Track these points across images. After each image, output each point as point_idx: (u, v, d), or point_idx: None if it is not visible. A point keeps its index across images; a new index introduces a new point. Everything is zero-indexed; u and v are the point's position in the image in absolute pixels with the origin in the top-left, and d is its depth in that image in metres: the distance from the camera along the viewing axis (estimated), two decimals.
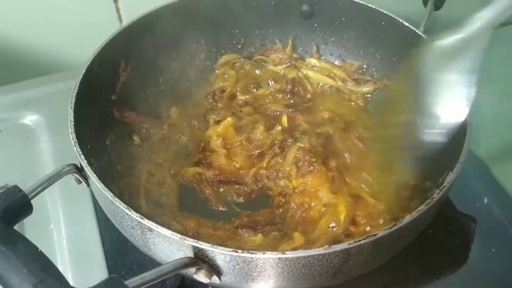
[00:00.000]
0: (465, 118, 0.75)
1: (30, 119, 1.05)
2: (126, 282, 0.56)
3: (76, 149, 0.72)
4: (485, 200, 0.94)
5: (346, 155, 0.92)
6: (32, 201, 0.66)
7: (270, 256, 0.60)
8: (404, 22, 0.93)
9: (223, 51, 1.09)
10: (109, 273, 0.83)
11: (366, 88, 1.04)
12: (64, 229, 0.88)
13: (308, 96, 1.06)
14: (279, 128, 0.95)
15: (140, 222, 0.64)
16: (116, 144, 0.90)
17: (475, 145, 1.02)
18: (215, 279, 0.63)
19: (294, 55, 1.09)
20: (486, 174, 0.99)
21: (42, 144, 1.01)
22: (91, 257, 0.85)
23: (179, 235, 0.61)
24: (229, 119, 0.95)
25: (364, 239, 0.61)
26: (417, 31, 0.92)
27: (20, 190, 0.65)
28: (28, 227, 0.85)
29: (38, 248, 0.58)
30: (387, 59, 1.01)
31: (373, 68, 1.04)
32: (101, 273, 0.82)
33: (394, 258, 0.73)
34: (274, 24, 1.08)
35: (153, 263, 0.78)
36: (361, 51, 1.04)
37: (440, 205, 0.72)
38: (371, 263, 0.69)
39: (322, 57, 1.09)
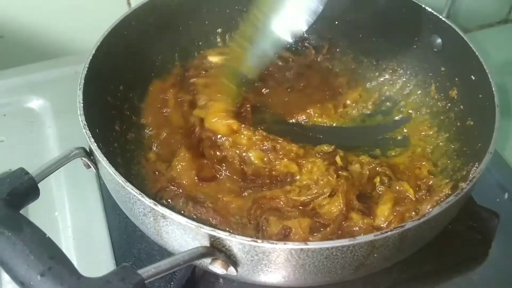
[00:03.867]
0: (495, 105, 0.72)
1: (36, 103, 1.03)
2: (139, 272, 0.53)
3: (86, 132, 0.69)
4: (506, 195, 0.91)
5: None
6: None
7: (292, 246, 0.57)
8: (426, 8, 0.89)
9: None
10: (116, 263, 0.80)
11: None
12: (69, 216, 0.86)
13: None
14: None
15: (153, 209, 0.61)
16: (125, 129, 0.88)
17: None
18: (231, 270, 0.60)
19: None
20: (506, 169, 0.97)
21: (47, 129, 0.99)
22: (97, 245, 0.82)
23: (195, 223, 0.58)
24: None
25: (391, 230, 0.58)
26: (440, 16, 0.88)
27: (27, 173, 0.62)
28: (33, 214, 0.82)
29: (46, 234, 0.55)
30: (407, 47, 0.97)
31: (392, 56, 1.00)
32: (107, 262, 0.80)
33: (413, 254, 0.70)
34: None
35: (163, 253, 0.76)
36: (381, 38, 1.00)
37: (467, 198, 0.69)
38: (394, 257, 0.66)
39: (340, 43, 1.06)
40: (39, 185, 0.64)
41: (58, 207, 0.87)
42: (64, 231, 0.84)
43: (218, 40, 1.06)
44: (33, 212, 0.82)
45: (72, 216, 0.85)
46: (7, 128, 0.98)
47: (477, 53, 0.81)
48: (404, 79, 1.00)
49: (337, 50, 1.06)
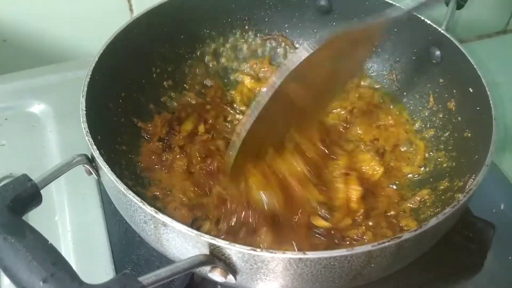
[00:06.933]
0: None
1: (37, 107, 1.03)
2: (139, 279, 0.53)
3: (88, 139, 0.70)
4: (502, 206, 0.92)
5: None
6: None
7: (291, 256, 0.57)
8: (426, 20, 0.90)
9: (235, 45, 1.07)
10: (116, 268, 0.81)
11: None
12: (69, 221, 0.86)
13: None
14: None
15: (154, 217, 0.61)
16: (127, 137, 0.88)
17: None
18: (230, 278, 0.61)
19: None
20: (503, 180, 0.97)
21: (49, 134, 0.99)
22: (96, 251, 0.83)
23: (195, 231, 0.59)
24: None
25: (388, 241, 0.59)
26: (439, 29, 0.89)
27: (30, 180, 0.62)
28: (33, 219, 0.80)
29: (48, 241, 0.55)
30: (406, 58, 0.99)
31: (391, 67, 1.01)
32: (107, 268, 0.80)
33: (410, 263, 0.70)
34: (289, 19, 1.06)
35: (161, 259, 0.76)
36: (379, 49, 1.01)
37: (464, 209, 0.69)
38: (391, 267, 0.67)
39: None
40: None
41: (58, 212, 0.87)
42: (63, 236, 0.84)
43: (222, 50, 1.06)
44: (33, 216, 0.81)
45: (72, 221, 0.86)
46: (8, 132, 0.98)
47: (475, 66, 0.81)
48: None
49: None
